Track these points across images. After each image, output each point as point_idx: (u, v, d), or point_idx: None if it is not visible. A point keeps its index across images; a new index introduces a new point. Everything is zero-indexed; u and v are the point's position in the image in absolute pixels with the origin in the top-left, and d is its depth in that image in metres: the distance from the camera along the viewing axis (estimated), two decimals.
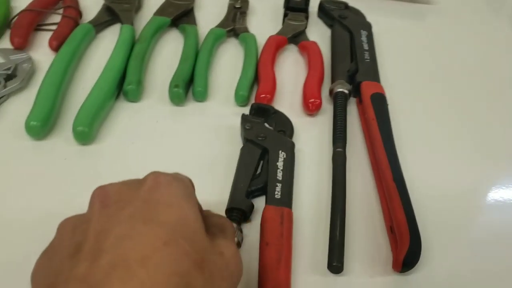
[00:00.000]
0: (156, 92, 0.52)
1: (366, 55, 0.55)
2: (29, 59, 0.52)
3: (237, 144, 0.46)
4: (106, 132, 0.47)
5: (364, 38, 0.58)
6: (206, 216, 0.31)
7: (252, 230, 0.39)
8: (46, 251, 0.28)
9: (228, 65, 0.56)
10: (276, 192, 0.40)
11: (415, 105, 0.53)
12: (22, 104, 0.48)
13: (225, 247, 0.28)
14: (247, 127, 0.45)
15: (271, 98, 0.50)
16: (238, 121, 0.49)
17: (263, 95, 0.50)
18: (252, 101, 0.51)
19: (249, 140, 0.44)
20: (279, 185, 0.40)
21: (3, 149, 0.45)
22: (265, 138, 0.44)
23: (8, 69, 0.50)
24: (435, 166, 0.47)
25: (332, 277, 0.37)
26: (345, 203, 0.40)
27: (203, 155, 0.46)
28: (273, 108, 0.48)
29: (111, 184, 0.29)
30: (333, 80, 0.54)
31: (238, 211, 0.39)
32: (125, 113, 0.49)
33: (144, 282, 0.22)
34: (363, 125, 0.50)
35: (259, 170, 0.43)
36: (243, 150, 0.44)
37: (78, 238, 0.26)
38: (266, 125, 0.47)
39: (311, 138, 0.49)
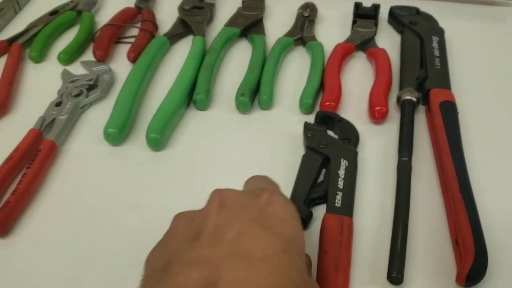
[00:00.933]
0: (224, 101, 0.54)
1: (437, 62, 0.54)
2: (109, 71, 0.56)
3: (301, 152, 0.47)
4: (177, 139, 0.50)
5: (435, 44, 0.56)
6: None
7: (311, 237, 0.40)
8: (161, 240, 0.30)
9: (295, 73, 0.57)
10: (336, 201, 0.40)
11: (488, 114, 0.51)
12: (102, 112, 0.52)
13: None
14: (309, 135, 0.46)
15: (336, 106, 0.51)
16: (302, 129, 0.50)
17: (328, 103, 0.50)
18: (317, 109, 0.51)
19: (310, 148, 0.45)
20: (340, 193, 0.40)
21: (84, 153, 0.48)
22: (327, 146, 0.44)
23: (90, 80, 0.54)
24: (507, 178, 0.45)
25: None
26: (408, 214, 0.40)
27: (267, 162, 0.47)
28: (338, 116, 0.49)
29: (229, 189, 0.31)
30: (401, 87, 0.53)
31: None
32: (194, 121, 0.52)
33: (267, 276, 0.24)
34: (431, 134, 0.48)
35: (321, 178, 0.44)
36: (304, 158, 0.45)
37: (195, 228, 0.28)
38: (330, 132, 0.47)
39: (377, 146, 0.48)
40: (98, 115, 0.52)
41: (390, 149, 0.47)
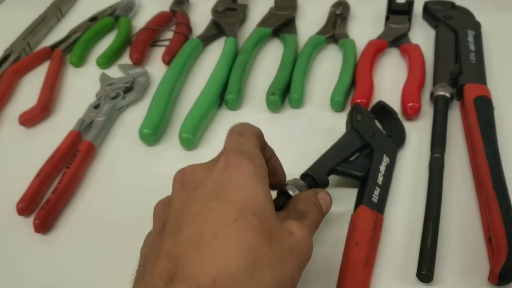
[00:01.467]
0: (255, 100, 0.54)
1: (472, 56, 0.53)
2: (145, 73, 0.58)
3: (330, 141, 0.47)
4: (209, 138, 0.51)
5: (470, 39, 0.55)
6: (292, 200, 0.34)
7: (337, 227, 0.40)
8: (150, 231, 0.32)
9: (326, 71, 0.57)
10: (374, 196, 0.40)
11: None
12: (138, 113, 0.54)
13: (296, 228, 0.29)
14: (358, 118, 0.45)
15: (368, 103, 0.50)
16: (334, 126, 0.50)
17: (359, 100, 0.50)
18: (348, 106, 0.51)
19: (355, 129, 0.44)
20: (378, 189, 0.40)
21: (120, 153, 0.50)
22: (372, 136, 0.44)
23: (127, 82, 0.56)
24: None
25: (421, 286, 0.36)
26: (439, 210, 0.39)
27: (298, 160, 0.47)
28: (396, 113, 0.48)
29: (188, 166, 0.32)
30: (434, 83, 0.52)
31: (312, 180, 0.39)
32: (226, 120, 0.53)
33: (217, 252, 0.25)
34: (465, 130, 0.47)
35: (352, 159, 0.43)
36: (345, 135, 0.44)
37: (164, 216, 0.30)
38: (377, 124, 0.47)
39: (409, 142, 0.47)
40: (134, 116, 0.54)
41: (423, 146, 0.47)
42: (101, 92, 0.56)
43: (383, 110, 0.48)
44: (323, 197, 0.36)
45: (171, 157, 0.49)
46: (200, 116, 0.50)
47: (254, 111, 0.53)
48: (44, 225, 0.42)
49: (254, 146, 0.32)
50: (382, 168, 0.42)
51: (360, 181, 0.42)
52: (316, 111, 0.52)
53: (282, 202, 0.36)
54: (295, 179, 0.38)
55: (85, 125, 0.52)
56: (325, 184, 0.40)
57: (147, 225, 0.42)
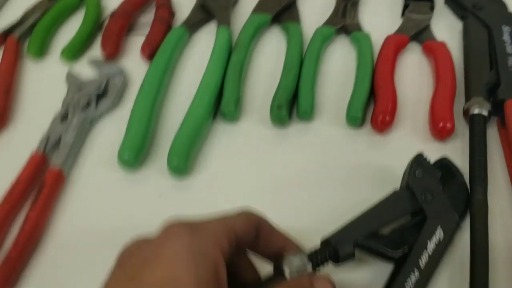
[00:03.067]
0: (256, 111, 0.46)
1: (510, 61, 0.45)
2: (121, 73, 0.48)
3: (353, 173, 0.40)
4: (203, 162, 0.42)
5: (506, 37, 0.47)
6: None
7: None
8: None
9: (338, 72, 0.49)
10: (409, 281, 0.31)
11: None
12: (114, 125, 0.45)
13: None
14: (417, 174, 0.36)
15: (391, 121, 0.42)
16: (349, 144, 0.42)
17: (381, 117, 0.42)
18: (367, 121, 0.43)
19: (409, 189, 0.35)
20: (417, 273, 0.32)
21: (95, 181, 0.42)
22: (431, 201, 0.35)
23: (99, 86, 0.46)
24: None
25: None
26: (487, 273, 0.33)
27: (310, 186, 0.40)
28: (463, 176, 0.38)
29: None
30: (467, 94, 0.44)
31: (332, 250, 0.31)
32: (222, 137, 0.44)
33: None
34: (506, 157, 0.41)
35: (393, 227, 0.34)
36: (394, 194, 0.35)
37: None
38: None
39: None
40: (110, 130, 0.45)
41: None
42: (68, 98, 0.46)
43: (445, 169, 0.38)
44: (322, 285, 0.28)
45: (158, 188, 0.41)
46: (192, 136, 0.41)
47: (255, 125, 0.45)
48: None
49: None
50: (431, 245, 0.33)
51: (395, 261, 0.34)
52: (329, 126, 0.44)
53: (274, 281, 0.29)
54: (298, 255, 0.30)
55: (51, 145, 0.42)
56: (347, 257, 0.32)
57: None
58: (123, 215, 0.39)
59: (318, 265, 0.31)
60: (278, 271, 0.29)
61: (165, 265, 0.24)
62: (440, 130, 0.41)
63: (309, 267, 0.30)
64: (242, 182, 0.41)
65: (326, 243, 0.32)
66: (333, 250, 0.31)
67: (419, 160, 0.37)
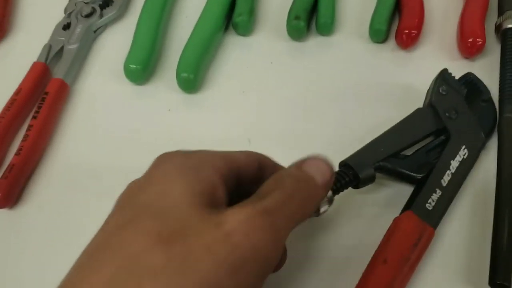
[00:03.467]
0: (271, 23, 0.43)
1: None
2: None
3: (370, 89, 0.38)
4: (214, 76, 0.40)
5: None
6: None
7: (367, 231, 0.31)
8: None
9: None
10: (429, 201, 0.30)
11: None
12: (121, 36, 0.42)
13: (231, 215, 0.21)
14: (442, 91, 0.33)
15: (418, 35, 0.39)
16: (373, 61, 0.40)
17: (407, 31, 0.39)
18: (392, 36, 0.40)
19: (433, 106, 0.33)
20: (439, 192, 0.30)
21: (100, 94, 0.40)
22: (455, 118, 0.33)
23: None
24: None
25: None
26: None
27: (328, 107, 0.38)
28: (489, 93, 0.35)
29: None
30: (500, 7, 0.41)
31: (351, 173, 0.29)
32: (234, 50, 0.41)
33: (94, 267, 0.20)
34: None
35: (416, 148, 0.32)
36: (417, 113, 0.33)
37: None
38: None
39: None
40: (116, 41, 0.42)
41: None
42: (71, 6, 0.43)
43: (470, 86, 0.35)
44: (312, 164, 0.25)
45: (167, 102, 0.39)
46: (202, 48, 0.39)
47: (270, 38, 0.42)
48: (8, 198, 0.33)
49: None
50: (455, 163, 0.31)
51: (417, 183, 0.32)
52: (350, 40, 0.41)
53: None
54: None
55: (52, 54, 0.40)
56: (368, 181, 0.30)
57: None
58: (130, 128, 0.38)
59: (338, 191, 0.29)
60: None
61: (156, 184, 0.23)
62: (470, 46, 0.38)
63: (329, 193, 0.28)
64: (254, 98, 0.39)
65: (345, 166, 0.30)
66: (352, 173, 0.30)
67: (443, 76, 0.35)
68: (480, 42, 0.38)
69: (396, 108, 0.35)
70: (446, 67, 0.39)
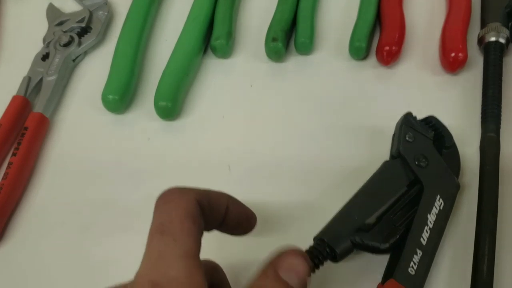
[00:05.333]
0: (250, 45, 0.42)
1: None
2: (105, 5, 0.44)
3: (351, 107, 0.37)
4: (194, 101, 0.40)
5: None
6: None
7: None
8: None
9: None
10: (411, 264, 0.27)
11: None
12: (99, 63, 0.42)
13: None
14: (408, 138, 0.31)
15: (398, 51, 0.39)
16: (352, 78, 0.39)
17: (387, 47, 0.38)
18: (372, 52, 0.40)
19: (401, 156, 0.31)
20: (420, 253, 0.28)
21: (80, 124, 0.40)
22: (425, 166, 0.30)
23: (82, 20, 0.43)
24: None
25: None
26: (496, 222, 0.30)
27: (309, 129, 0.37)
28: (452, 138, 0.33)
29: None
30: (483, 20, 0.40)
31: (327, 250, 0.27)
32: (214, 73, 0.41)
33: None
34: None
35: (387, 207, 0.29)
36: (385, 168, 0.31)
37: None
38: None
39: (449, 104, 0.37)
40: (96, 69, 0.42)
41: (469, 108, 0.36)
42: (49, 36, 0.43)
43: (435, 129, 0.33)
44: (290, 266, 0.24)
45: (147, 130, 0.39)
46: (180, 73, 0.39)
47: (249, 60, 0.41)
48: None
49: (182, 256, 0.22)
50: (432, 217, 0.29)
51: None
52: (331, 58, 0.41)
53: None
54: None
55: (32, 86, 0.40)
56: (347, 253, 0.28)
57: (123, 215, 0.34)
58: (110, 158, 0.37)
59: (317, 267, 0.27)
60: None
61: None
62: (452, 61, 0.37)
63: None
64: (234, 123, 0.38)
65: (321, 241, 0.28)
66: (329, 249, 0.27)
67: (408, 121, 0.32)
68: (461, 57, 0.37)
69: (380, 126, 0.35)
70: (429, 82, 0.38)
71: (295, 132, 0.37)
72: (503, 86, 0.36)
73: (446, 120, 0.35)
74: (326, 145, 0.36)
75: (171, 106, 0.37)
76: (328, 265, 0.27)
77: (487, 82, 0.36)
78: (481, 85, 0.37)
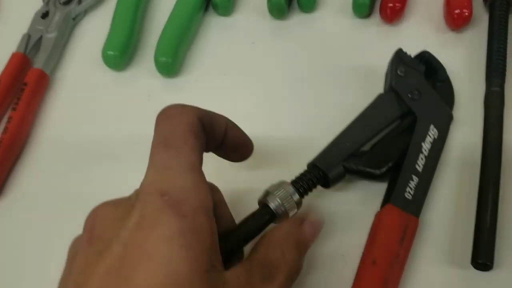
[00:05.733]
0: (252, 2, 0.42)
1: None
2: None
3: (354, 66, 0.37)
4: (194, 58, 0.39)
5: None
6: (256, 248, 0.24)
7: (348, 230, 0.30)
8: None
9: None
10: (408, 189, 0.29)
11: None
12: (99, 22, 0.42)
13: None
14: (400, 72, 0.32)
15: (402, 8, 0.38)
16: (355, 36, 0.39)
17: (391, 4, 0.38)
18: (376, 10, 0.39)
19: (394, 90, 0.32)
20: (416, 179, 0.29)
21: (81, 81, 0.39)
22: (418, 98, 0.31)
23: None
24: None
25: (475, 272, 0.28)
26: (499, 172, 0.30)
27: (312, 86, 0.37)
28: (445, 71, 0.34)
29: (103, 207, 0.23)
30: None
31: (319, 174, 0.29)
32: (215, 31, 0.41)
33: None
34: None
35: (382, 135, 0.31)
36: (378, 100, 0.32)
37: (65, 276, 0.22)
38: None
39: (455, 63, 0.36)
40: (96, 27, 0.42)
41: (474, 67, 0.36)
42: None
43: (429, 65, 0.34)
44: (310, 226, 0.26)
45: (147, 87, 0.38)
46: (181, 30, 0.38)
47: (251, 17, 0.41)
48: None
49: (187, 169, 0.22)
50: (426, 145, 0.30)
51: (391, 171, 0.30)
52: (334, 16, 0.40)
53: (262, 220, 0.26)
54: (282, 188, 0.27)
55: (32, 44, 0.40)
56: (339, 178, 0.29)
57: (120, 176, 0.33)
58: (110, 115, 0.37)
59: (306, 192, 0.28)
60: (265, 206, 0.27)
61: (159, 263, 0.20)
62: (456, 18, 0.37)
63: (295, 197, 0.27)
64: (236, 80, 0.38)
65: (313, 167, 0.29)
66: (321, 174, 0.28)
67: (399, 57, 0.33)
68: (466, 14, 0.37)
69: (383, 85, 0.34)
70: (433, 40, 0.38)
71: (297, 89, 0.37)
72: (508, 44, 0.36)
73: (451, 77, 0.35)
74: (329, 101, 0.36)
75: (171, 62, 0.37)
76: (329, 197, 0.29)
77: (493, 37, 0.36)
78: (486, 43, 0.36)
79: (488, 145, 0.31)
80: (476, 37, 0.37)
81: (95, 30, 0.41)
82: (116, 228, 0.21)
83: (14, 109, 0.36)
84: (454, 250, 0.29)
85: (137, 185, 0.23)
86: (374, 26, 0.39)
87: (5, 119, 0.36)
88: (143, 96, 0.38)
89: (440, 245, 0.29)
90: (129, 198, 0.23)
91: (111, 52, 0.37)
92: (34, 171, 0.35)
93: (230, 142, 0.26)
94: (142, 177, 0.23)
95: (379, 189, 0.30)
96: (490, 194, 0.29)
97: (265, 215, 0.26)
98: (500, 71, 0.34)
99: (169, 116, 0.23)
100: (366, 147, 0.30)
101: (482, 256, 0.27)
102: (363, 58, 0.38)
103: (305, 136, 0.34)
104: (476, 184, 0.30)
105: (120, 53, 0.38)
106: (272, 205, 0.26)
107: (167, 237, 0.20)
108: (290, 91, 0.37)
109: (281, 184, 0.27)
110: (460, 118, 0.33)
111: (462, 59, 0.37)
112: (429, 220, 0.30)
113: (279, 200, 0.26)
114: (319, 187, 0.29)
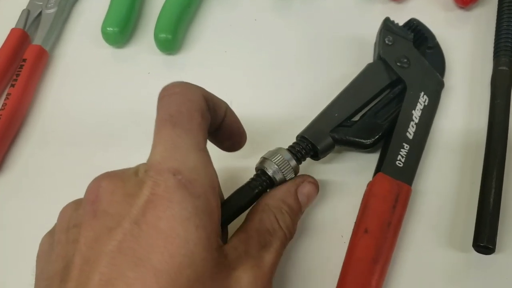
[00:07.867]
0: None
1: None
2: None
3: (360, 43, 0.36)
4: (195, 36, 0.39)
5: None
6: (251, 216, 0.25)
7: (341, 201, 0.30)
8: (48, 236, 0.24)
9: None
10: (399, 157, 0.28)
11: None
12: (100, 0, 0.41)
13: (247, 280, 0.22)
14: (387, 41, 0.32)
15: None
16: (361, 14, 0.38)
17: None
18: None
19: (382, 59, 0.32)
20: (407, 146, 0.29)
21: (80, 58, 0.39)
22: (407, 66, 0.31)
23: None
24: None
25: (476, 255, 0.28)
26: (505, 154, 0.29)
27: (313, 65, 0.36)
28: (435, 38, 0.34)
29: (107, 178, 0.22)
30: None
31: (308, 146, 0.28)
32: (216, 8, 0.40)
33: None
34: None
35: (371, 105, 0.31)
36: (367, 69, 0.32)
37: (69, 249, 0.21)
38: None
39: (461, 40, 0.35)
40: (95, 4, 0.41)
41: (480, 44, 0.35)
42: None
43: (418, 33, 0.33)
44: (305, 191, 0.27)
45: (147, 64, 0.38)
46: (181, 6, 0.37)
47: None
48: None
49: (195, 148, 0.22)
50: (417, 113, 0.29)
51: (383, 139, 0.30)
52: None
53: (260, 186, 0.26)
54: (279, 153, 0.27)
55: (31, 20, 0.39)
56: (328, 149, 0.29)
57: (119, 153, 0.33)
58: (110, 92, 0.37)
59: (303, 158, 0.28)
60: (262, 172, 0.27)
61: (175, 243, 0.19)
62: None
63: (292, 163, 0.27)
64: (237, 58, 0.37)
65: (302, 138, 0.29)
66: (310, 146, 0.28)
67: (387, 26, 0.33)
68: None
69: None
70: (441, 17, 0.37)
71: (299, 67, 0.36)
72: None
73: (457, 56, 0.34)
74: (334, 81, 0.35)
75: (171, 38, 0.36)
76: (322, 168, 0.29)
77: (502, 15, 0.34)
78: (495, 22, 0.35)
79: (494, 125, 0.30)
80: (485, 15, 0.36)
81: (95, 6, 0.41)
82: (125, 204, 0.20)
83: (13, 85, 0.35)
84: (455, 233, 0.28)
85: (136, 161, 0.23)
86: (380, 4, 0.38)
87: (4, 96, 0.36)
88: (143, 73, 0.37)
89: (442, 228, 0.29)
90: (135, 173, 0.22)
91: (110, 29, 0.37)
92: (33, 147, 0.35)
93: (227, 128, 0.26)
94: (142, 153, 0.22)
95: (372, 160, 0.30)
96: (494, 176, 0.28)
97: (262, 182, 0.26)
98: (509, 50, 0.33)
99: (173, 93, 0.23)
100: (356, 118, 0.30)
101: (484, 239, 0.27)
102: (368, 36, 0.36)
103: (306, 114, 0.33)
104: (480, 165, 0.30)
105: (120, 29, 0.37)
106: (269, 171, 0.26)
107: (183, 218, 0.20)
108: (291, 69, 0.36)
109: (277, 151, 0.27)
110: (465, 97, 0.33)
111: (470, 37, 0.36)
112: (431, 202, 0.29)
113: (276, 166, 0.26)
114: (308, 159, 0.29)
